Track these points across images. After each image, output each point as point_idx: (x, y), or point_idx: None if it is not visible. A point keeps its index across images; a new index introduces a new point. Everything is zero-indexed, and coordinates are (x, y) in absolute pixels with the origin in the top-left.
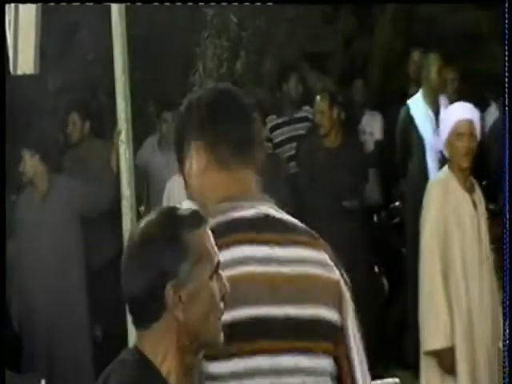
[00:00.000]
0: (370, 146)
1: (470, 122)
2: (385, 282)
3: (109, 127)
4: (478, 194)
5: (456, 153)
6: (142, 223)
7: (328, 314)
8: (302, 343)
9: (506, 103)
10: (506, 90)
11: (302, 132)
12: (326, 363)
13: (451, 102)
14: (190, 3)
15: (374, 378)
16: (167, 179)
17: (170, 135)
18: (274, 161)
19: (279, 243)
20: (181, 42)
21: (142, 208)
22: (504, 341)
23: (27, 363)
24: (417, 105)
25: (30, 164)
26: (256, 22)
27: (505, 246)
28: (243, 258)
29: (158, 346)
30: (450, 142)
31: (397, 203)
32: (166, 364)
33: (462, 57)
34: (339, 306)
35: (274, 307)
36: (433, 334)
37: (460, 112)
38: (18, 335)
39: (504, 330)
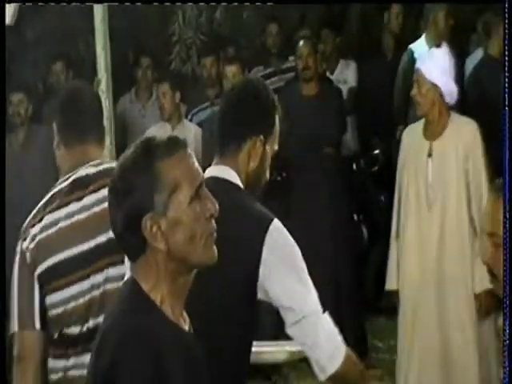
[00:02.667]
0: (344, 94)
1: (417, 70)
2: (364, 229)
3: (88, 77)
4: (448, 138)
5: None
6: (120, 158)
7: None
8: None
9: (506, 103)
10: (506, 89)
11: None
12: None
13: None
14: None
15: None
16: (147, 128)
17: (146, 83)
18: None
19: (81, 197)
20: None
21: None
22: (504, 341)
23: None
24: (420, 49)
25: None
26: None
27: (505, 247)
28: (58, 218)
29: (148, 275)
30: None
31: (376, 151)
32: (158, 291)
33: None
34: None
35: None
36: (387, 276)
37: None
38: None
39: (504, 330)
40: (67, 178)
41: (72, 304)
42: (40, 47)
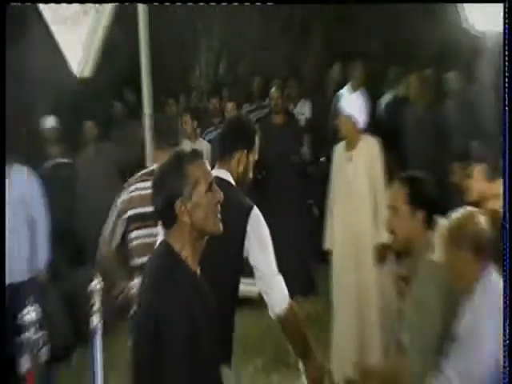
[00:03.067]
0: (302, 122)
1: (339, 107)
2: (315, 210)
3: (138, 113)
4: (360, 150)
5: None
6: (160, 163)
7: None
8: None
9: (506, 103)
10: (506, 89)
11: (262, 115)
12: None
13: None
14: (190, 3)
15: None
16: None
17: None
18: None
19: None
20: (182, 54)
21: None
22: (504, 341)
23: (79, 257)
24: (344, 93)
25: (91, 131)
26: (232, 39)
27: (505, 246)
28: (140, 187)
29: (177, 239)
30: None
31: (322, 159)
32: (185, 251)
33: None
34: None
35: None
36: (324, 239)
37: None
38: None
39: (504, 330)
40: (152, 167)
41: (139, 242)
42: (103, 90)
